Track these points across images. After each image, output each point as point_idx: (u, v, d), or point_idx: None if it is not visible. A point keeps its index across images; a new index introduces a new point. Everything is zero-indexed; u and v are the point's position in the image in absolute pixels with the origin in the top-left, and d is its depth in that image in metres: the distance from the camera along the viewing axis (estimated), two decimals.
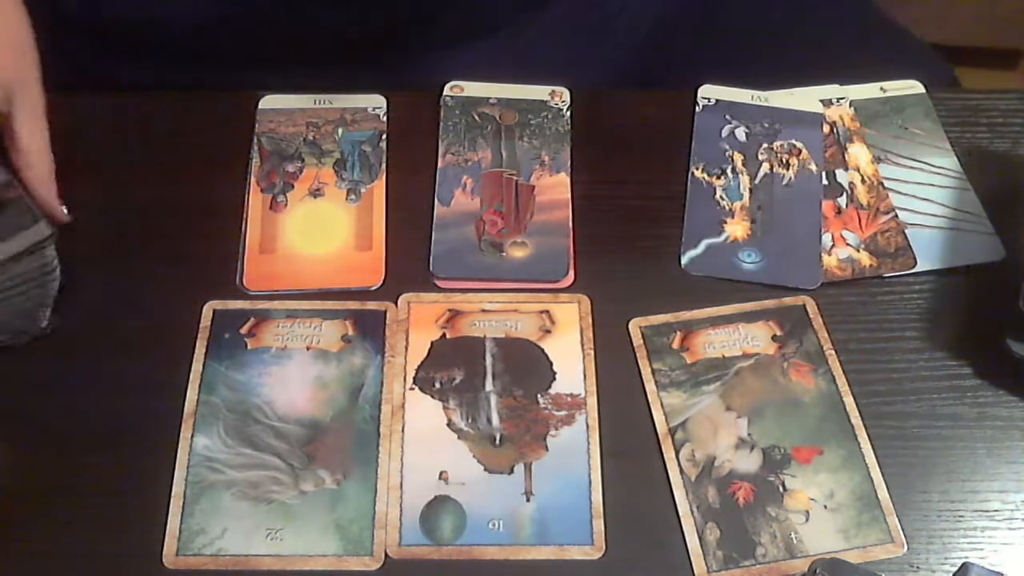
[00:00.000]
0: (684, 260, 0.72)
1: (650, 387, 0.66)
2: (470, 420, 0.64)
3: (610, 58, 0.90)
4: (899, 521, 0.61)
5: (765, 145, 0.77)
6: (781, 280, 0.71)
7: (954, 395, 0.66)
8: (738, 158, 0.77)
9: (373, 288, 0.70)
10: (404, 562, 0.60)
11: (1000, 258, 0.72)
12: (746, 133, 0.78)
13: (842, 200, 0.75)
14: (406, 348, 0.67)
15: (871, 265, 0.71)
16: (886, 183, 0.75)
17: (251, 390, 0.65)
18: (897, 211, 0.74)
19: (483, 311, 0.69)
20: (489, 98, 0.79)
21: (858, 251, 0.72)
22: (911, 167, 0.76)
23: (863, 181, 0.75)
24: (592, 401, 0.65)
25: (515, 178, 0.75)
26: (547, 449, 0.63)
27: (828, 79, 0.80)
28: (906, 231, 0.73)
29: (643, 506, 0.62)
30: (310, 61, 0.83)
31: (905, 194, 0.75)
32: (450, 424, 0.64)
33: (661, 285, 0.70)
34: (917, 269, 0.71)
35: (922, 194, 0.75)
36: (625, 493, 0.62)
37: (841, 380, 0.66)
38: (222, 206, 0.73)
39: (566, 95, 0.79)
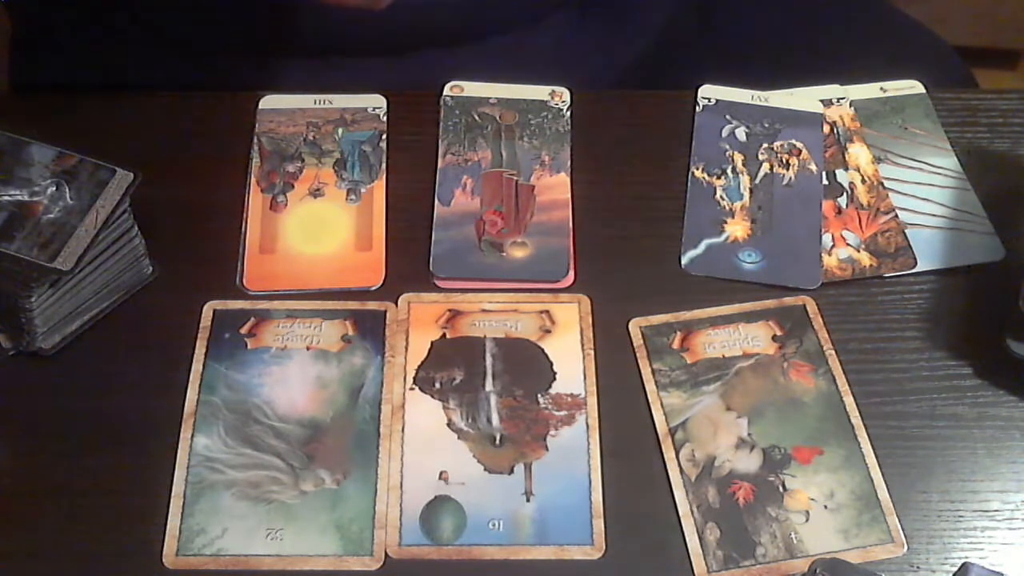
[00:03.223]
0: (684, 260, 0.72)
1: (650, 387, 0.66)
2: (470, 420, 0.64)
3: (614, 65, 0.90)
4: (899, 521, 0.61)
5: (765, 145, 0.77)
6: (781, 280, 0.71)
7: (954, 395, 0.66)
8: (738, 158, 0.77)
9: (373, 288, 0.70)
10: (404, 562, 0.60)
11: (1000, 258, 0.72)
12: (746, 133, 0.78)
13: (842, 200, 0.75)
14: (406, 348, 0.67)
15: (871, 265, 0.71)
16: (886, 183, 0.75)
17: (251, 390, 0.65)
18: (897, 211, 0.74)
19: (483, 311, 0.69)
20: (489, 98, 0.79)
21: (858, 251, 0.72)
22: (911, 167, 0.76)
23: (863, 181, 0.75)
24: (592, 401, 0.65)
25: (515, 178, 0.75)
26: (547, 449, 0.63)
27: (836, 77, 0.80)
28: (906, 231, 0.73)
29: (643, 506, 0.62)
30: (310, 60, 0.83)
31: (905, 194, 0.75)
32: (450, 424, 0.64)
33: (661, 285, 0.70)
34: (917, 269, 0.71)
35: (922, 194, 0.75)
36: (625, 493, 0.62)
37: (841, 380, 0.66)
38: (222, 206, 0.73)
39: (566, 95, 0.79)
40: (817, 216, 0.74)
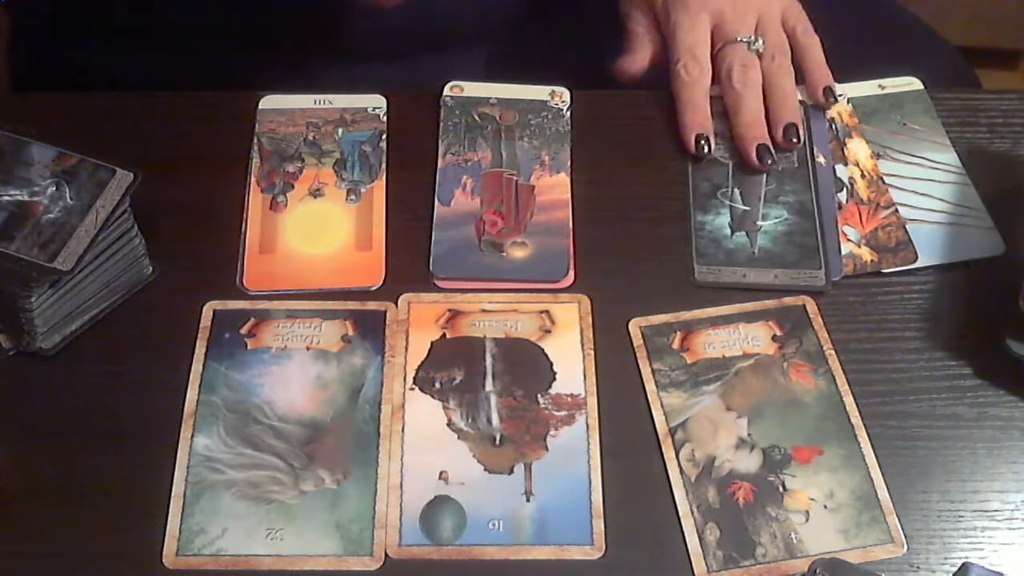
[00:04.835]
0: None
1: (650, 387, 0.66)
2: (470, 420, 0.64)
3: (611, 61, 0.89)
4: (899, 521, 0.61)
5: None
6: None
7: (954, 395, 0.66)
8: None
9: (373, 288, 0.70)
10: (404, 562, 0.60)
11: (1000, 252, 0.71)
12: None
13: (842, 196, 0.75)
14: (406, 348, 0.67)
15: (872, 260, 0.71)
16: (886, 179, 0.75)
17: (251, 390, 0.65)
18: (897, 207, 0.74)
19: (483, 311, 0.69)
20: (489, 98, 0.79)
21: (859, 246, 0.72)
22: (910, 163, 0.76)
23: (863, 176, 0.75)
24: (592, 401, 0.65)
25: (515, 178, 0.75)
26: (547, 449, 0.63)
27: (838, 76, 0.80)
28: (906, 226, 0.73)
29: (643, 506, 0.62)
30: (310, 61, 0.83)
31: (905, 189, 0.75)
32: (450, 424, 0.64)
33: (661, 285, 0.70)
34: (918, 264, 0.71)
35: (922, 189, 0.75)
36: (625, 493, 0.62)
37: (841, 380, 0.66)
38: (222, 206, 0.73)
39: (566, 95, 0.79)
40: (832, 208, 0.74)
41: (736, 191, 0.74)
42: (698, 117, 0.76)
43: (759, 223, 0.73)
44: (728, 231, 0.72)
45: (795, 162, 0.75)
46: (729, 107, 0.76)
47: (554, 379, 0.66)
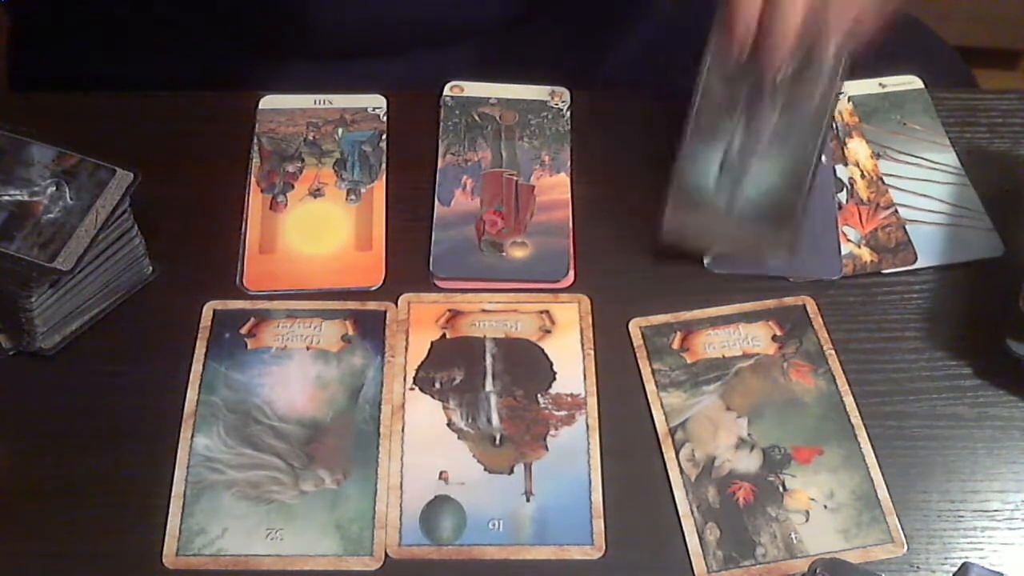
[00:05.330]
0: (707, 260, 0.71)
1: (650, 387, 0.66)
2: (470, 420, 0.64)
3: (611, 61, 0.90)
4: (899, 521, 0.61)
5: None
6: (804, 272, 0.70)
7: (954, 395, 0.66)
8: None
9: (373, 288, 0.70)
10: (404, 562, 0.60)
11: (999, 254, 0.72)
12: None
13: (842, 196, 0.75)
14: (406, 348, 0.67)
15: (872, 261, 0.71)
16: (885, 179, 0.75)
17: (251, 390, 0.65)
18: (897, 207, 0.74)
19: (483, 311, 0.69)
20: (489, 98, 0.79)
21: (859, 247, 0.72)
22: (910, 163, 0.76)
23: (863, 176, 0.75)
24: (592, 401, 0.65)
25: (515, 178, 0.75)
26: (547, 449, 0.63)
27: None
28: (906, 227, 0.73)
29: (643, 506, 0.62)
30: (309, 60, 0.83)
31: (904, 190, 0.75)
32: (450, 424, 0.64)
33: (661, 285, 0.70)
34: (917, 265, 0.71)
35: (921, 190, 0.75)
36: (625, 493, 0.62)
37: (841, 380, 0.66)
38: (222, 206, 0.73)
39: (566, 95, 0.79)
40: (832, 206, 0.73)
41: (743, 118, 0.69)
42: (749, 11, 0.66)
43: (745, 174, 0.69)
44: (711, 181, 0.69)
45: (816, 98, 0.69)
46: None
47: (554, 379, 0.66)
